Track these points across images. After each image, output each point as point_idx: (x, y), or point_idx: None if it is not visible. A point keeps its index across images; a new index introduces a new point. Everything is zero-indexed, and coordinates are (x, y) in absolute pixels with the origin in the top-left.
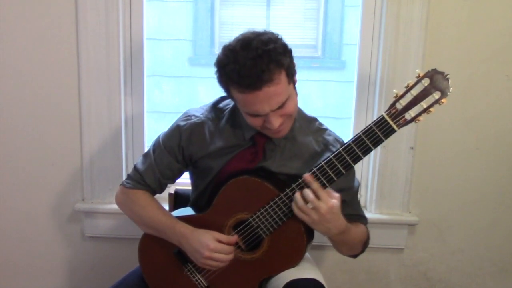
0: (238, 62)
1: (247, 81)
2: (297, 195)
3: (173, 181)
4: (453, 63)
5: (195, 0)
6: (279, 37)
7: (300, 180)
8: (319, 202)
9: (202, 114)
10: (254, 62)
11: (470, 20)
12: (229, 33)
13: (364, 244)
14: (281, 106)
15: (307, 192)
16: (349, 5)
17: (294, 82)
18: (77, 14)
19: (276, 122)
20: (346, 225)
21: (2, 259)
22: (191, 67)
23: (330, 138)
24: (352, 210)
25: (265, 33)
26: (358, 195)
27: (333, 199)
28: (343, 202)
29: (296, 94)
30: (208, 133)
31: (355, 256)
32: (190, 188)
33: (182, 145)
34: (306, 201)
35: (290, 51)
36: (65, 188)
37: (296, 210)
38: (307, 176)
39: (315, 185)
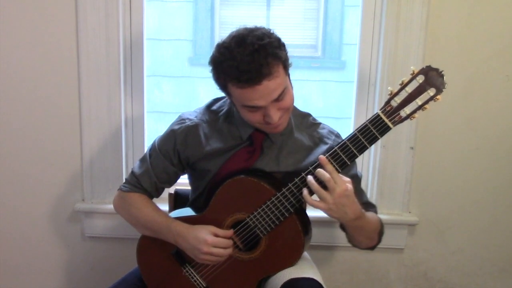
0: (236, 59)
1: (247, 76)
2: (310, 178)
3: (169, 184)
4: (453, 63)
5: (195, 0)
6: (272, 31)
7: (296, 180)
8: (335, 184)
9: (196, 117)
10: (252, 57)
11: (470, 20)
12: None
13: (380, 233)
14: (278, 98)
15: (323, 172)
16: (349, 5)
17: (289, 75)
18: (77, 14)
19: (275, 115)
20: (361, 210)
21: (2, 259)
22: (191, 67)
23: (324, 131)
24: (360, 199)
25: (257, 29)
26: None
27: (347, 182)
28: None
29: (292, 87)
30: (203, 136)
31: (373, 247)
32: (190, 188)
33: (177, 149)
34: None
35: (283, 45)
36: (65, 188)
37: (307, 198)
38: (323, 157)
39: (329, 167)
